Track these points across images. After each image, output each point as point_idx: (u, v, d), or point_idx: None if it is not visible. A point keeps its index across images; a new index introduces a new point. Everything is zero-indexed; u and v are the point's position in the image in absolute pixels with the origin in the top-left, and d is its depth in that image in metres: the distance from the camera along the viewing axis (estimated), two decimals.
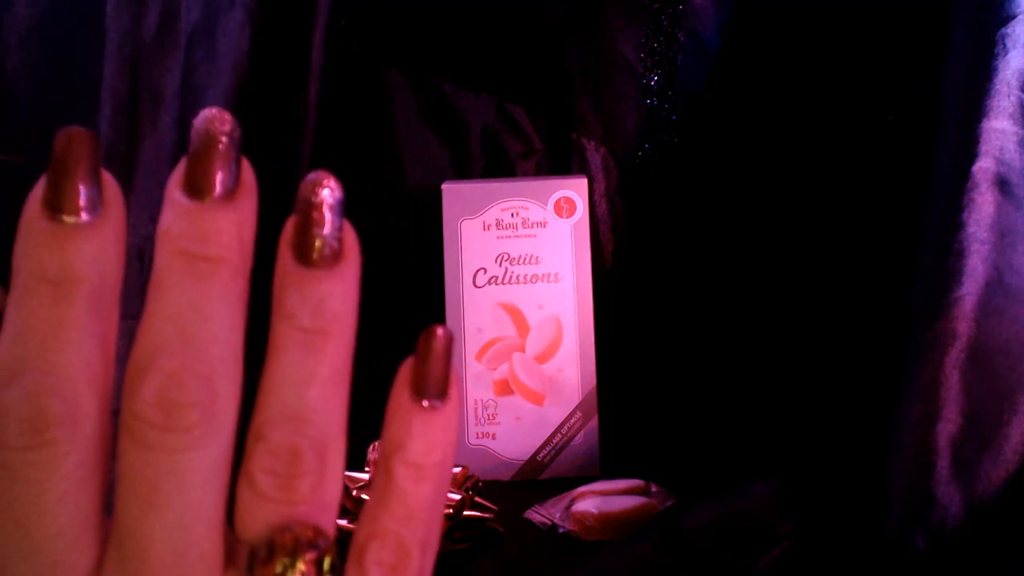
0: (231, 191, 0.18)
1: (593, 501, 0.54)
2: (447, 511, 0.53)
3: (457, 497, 0.53)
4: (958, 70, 0.49)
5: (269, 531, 0.18)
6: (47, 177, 0.17)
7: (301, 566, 0.18)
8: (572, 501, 0.56)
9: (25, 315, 0.17)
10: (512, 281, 0.64)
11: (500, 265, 0.64)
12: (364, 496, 0.53)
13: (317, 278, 0.18)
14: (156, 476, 0.17)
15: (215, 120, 0.18)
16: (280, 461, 0.18)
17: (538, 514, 0.56)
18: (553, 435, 0.64)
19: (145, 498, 0.17)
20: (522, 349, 0.64)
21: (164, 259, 0.18)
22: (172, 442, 0.17)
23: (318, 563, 0.18)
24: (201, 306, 0.18)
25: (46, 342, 0.17)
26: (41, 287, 0.17)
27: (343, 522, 0.47)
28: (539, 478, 0.64)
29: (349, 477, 0.53)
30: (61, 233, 0.17)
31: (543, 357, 0.64)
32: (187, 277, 0.18)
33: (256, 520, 0.18)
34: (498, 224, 0.64)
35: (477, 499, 0.56)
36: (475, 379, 0.64)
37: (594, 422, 0.64)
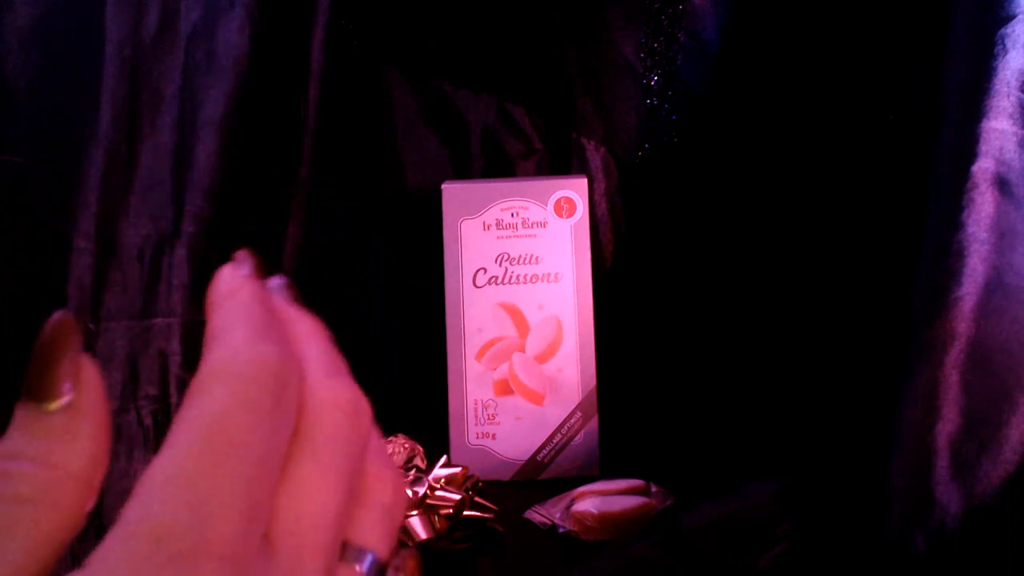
0: None
1: (593, 501, 0.54)
2: (447, 511, 0.53)
3: (457, 497, 0.53)
4: (958, 70, 0.49)
5: None
6: None
7: None
8: (572, 501, 0.56)
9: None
10: (512, 281, 0.64)
11: (500, 265, 0.64)
12: None
13: None
14: None
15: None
16: None
17: (538, 514, 0.56)
18: (553, 435, 0.64)
19: None
20: (522, 349, 0.64)
21: None
22: None
23: None
24: None
25: None
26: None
27: None
28: (539, 478, 0.64)
29: None
30: None
31: (543, 357, 0.64)
32: None
33: None
34: (498, 224, 0.64)
35: (477, 499, 0.56)
36: (475, 379, 0.64)
37: (594, 422, 0.64)
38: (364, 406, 0.22)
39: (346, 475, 0.21)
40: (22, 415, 0.19)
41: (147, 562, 0.17)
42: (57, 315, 0.19)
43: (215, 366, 0.20)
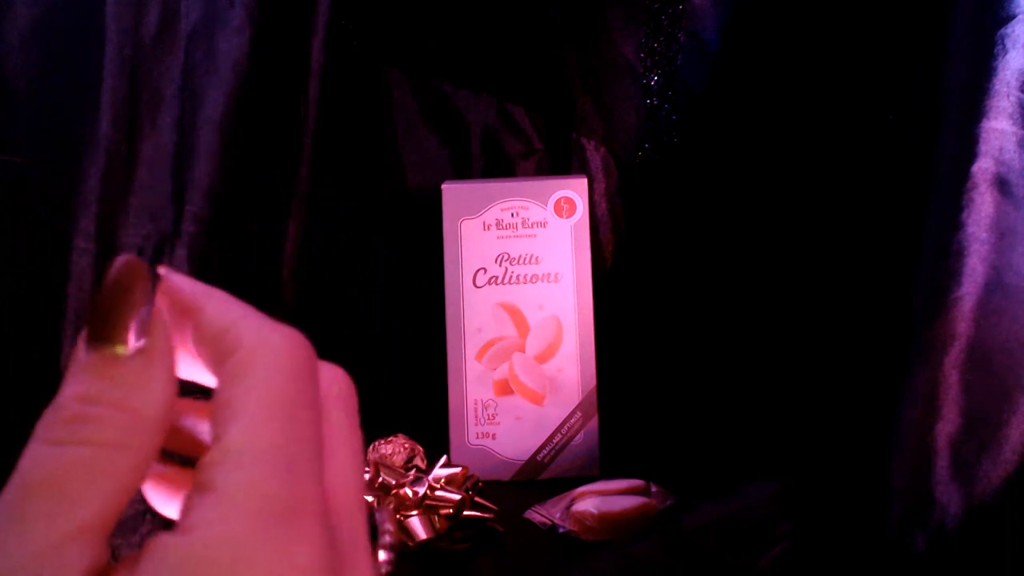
0: None
1: (593, 501, 0.54)
2: (447, 511, 0.53)
3: (457, 497, 0.53)
4: (958, 70, 0.49)
5: None
6: None
7: None
8: (572, 501, 0.56)
9: None
10: (512, 281, 0.64)
11: (500, 265, 0.64)
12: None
13: None
14: None
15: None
16: None
17: (538, 514, 0.56)
18: (553, 435, 0.64)
19: None
20: (522, 349, 0.64)
21: None
22: None
23: None
24: None
25: None
26: None
27: None
28: (539, 478, 0.64)
29: None
30: None
31: (543, 357, 0.64)
32: None
33: None
34: (498, 224, 0.64)
35: (477, 499, 0.56)
36: (475, 379, 0.64)
37: (594, 422, 0.64)
38: (354, 386, 0.23)
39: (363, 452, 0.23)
40: (94, 359, 0.19)
41: (254, 522, 0.18)
42: (125, 258, 0.20)
43: (250, 350, 0.20)
